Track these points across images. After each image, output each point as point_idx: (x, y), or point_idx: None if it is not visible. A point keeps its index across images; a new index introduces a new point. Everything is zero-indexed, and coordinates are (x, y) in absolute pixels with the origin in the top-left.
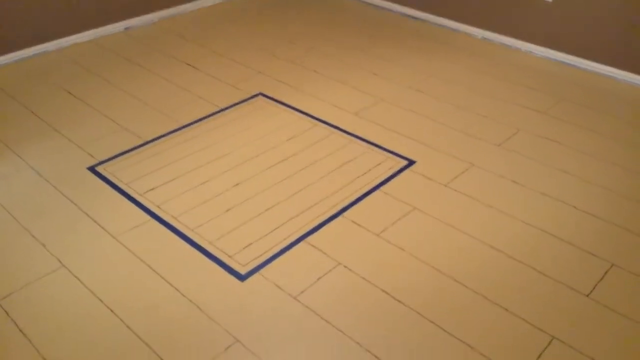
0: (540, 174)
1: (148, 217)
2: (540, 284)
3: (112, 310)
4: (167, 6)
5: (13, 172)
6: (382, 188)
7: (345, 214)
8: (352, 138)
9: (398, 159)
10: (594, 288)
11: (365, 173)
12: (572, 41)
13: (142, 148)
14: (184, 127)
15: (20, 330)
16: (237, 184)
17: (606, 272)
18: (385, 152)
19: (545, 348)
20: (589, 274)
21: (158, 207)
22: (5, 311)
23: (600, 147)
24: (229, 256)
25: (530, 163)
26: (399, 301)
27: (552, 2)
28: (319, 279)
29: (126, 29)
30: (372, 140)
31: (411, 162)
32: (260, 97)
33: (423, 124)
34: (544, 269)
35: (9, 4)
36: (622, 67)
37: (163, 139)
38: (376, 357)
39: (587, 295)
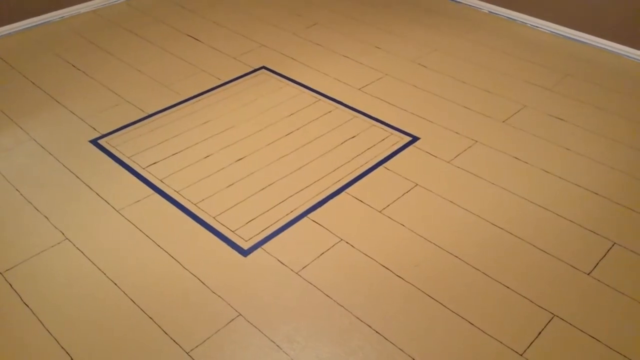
0: (544, 152)
1: (151, 191)
2: (542, 262)
3: (115, 283)
4: None
5: (15, 144)
6: (385, 164)
7: (348, 190)
8: (356, 113)
9: (402, 135)
10: (595, 266)
11: (368, 149)
12: (580, 17)
13: (144, 121)
14: (186, 100)
15: (24, 303)
16: (239, 159)
17: (608, 251)
18: (388, 128)
19: (546, 325)
20: (590, 253)
21: (161, 181)
22: (9, 283)
23: (605, 124)
24: (232, 231)
25: (534, 140)
26: (400, 277)
27: None
28: (321, 254)
29: None
30: (375, 115)
31: (415, 139)
32: (263, 70)
33: (427, 100)
34: (545, 247)
35: None
36: (629, 43)
37: (165, 112)
38: (376, 332)
39: (589, 274)
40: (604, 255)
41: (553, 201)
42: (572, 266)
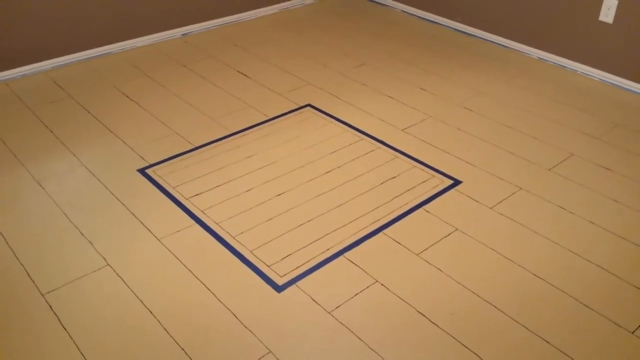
0: (591, 202)
1: (192, 222)
2: (583, 317)
3: (150, 312)
4: (224, 14)
5: (67, 169)
6: (425, 207)
7: (386, 230)
8: (398, 154)
9: (443, 177)
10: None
11: (408, 190)
12: (632, 65)
13: (191, 153)
14: (232, 134)
15: (62, 325)
16: (280, 194)
17: None
18: (430, 170)
19: None
20: (635, 310)
21: (202, 212)
22: (49, 305)
23: None
24: (268, 266)
25: (581, 190)
26: (435, 324)
27: (612, 24)
28: (355, 295)
29: (184, 35)
30: (417, 157)
31: (457, 182)
32: (308, 108)
33: (471, 144)
34: (587, 301)
35: (77, 7)
36: None
37: (212, 145)
38: None
39: (633, 332)
40: None
41: (598, 254)
42: (615, 323)
